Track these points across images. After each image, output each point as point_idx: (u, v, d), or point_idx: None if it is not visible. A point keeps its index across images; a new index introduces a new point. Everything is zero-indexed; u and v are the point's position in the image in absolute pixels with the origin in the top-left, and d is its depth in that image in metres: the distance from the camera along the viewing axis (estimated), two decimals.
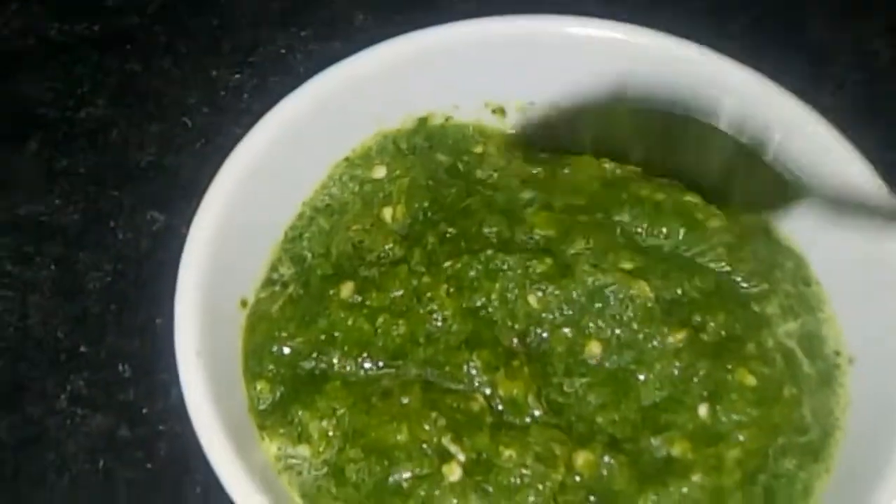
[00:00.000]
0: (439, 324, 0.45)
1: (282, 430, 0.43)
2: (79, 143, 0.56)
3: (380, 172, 0.50)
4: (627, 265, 0.45)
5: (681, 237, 0.46)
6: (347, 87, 0.48)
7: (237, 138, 0.55)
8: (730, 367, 0.43)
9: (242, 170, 0.45)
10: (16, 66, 0.59)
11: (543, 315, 0.45)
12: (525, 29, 0.48)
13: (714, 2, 0.59)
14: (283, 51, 0.60)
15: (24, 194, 0.54)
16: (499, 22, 0.48)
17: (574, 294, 0.44)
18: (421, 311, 0.45)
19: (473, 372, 0.43)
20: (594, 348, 0.44)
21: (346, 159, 0.49)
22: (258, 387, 0.44)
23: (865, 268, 0.45)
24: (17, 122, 0.57)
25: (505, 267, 0.45)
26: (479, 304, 0.45)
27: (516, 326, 0.45)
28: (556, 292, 0.44)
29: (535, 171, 0.48)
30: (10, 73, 0.58)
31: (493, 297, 0.45)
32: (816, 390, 0.45)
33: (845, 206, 0.46)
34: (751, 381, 0.43)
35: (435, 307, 0.45)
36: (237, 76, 0.59)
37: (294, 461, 0.43)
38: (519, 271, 0.45)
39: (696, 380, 0.43)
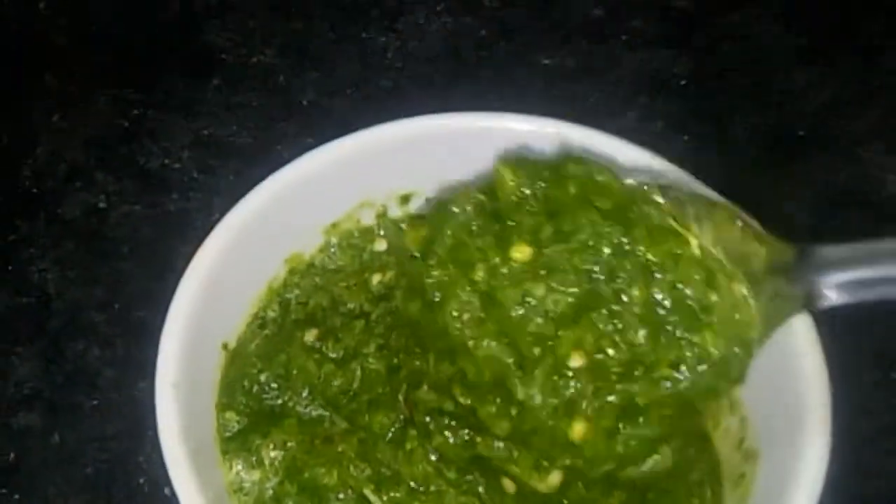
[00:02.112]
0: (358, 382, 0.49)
1: (241, 456, 0.48)
2: (251, 83, 0.68)
3: (381, 246, 0.55)
4: None
5: None
6: (335, 164, 0.52)
7: (382, 89, 0.68)
8: None
9: (237, 228, 0.50)
10: (202, 21, 0.71)
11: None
12: (505, 124, 0.53)
13: None
14: (421, 21, 0.71)
15: (208, 119, 0.66)
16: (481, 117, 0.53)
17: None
18: (355, 365, 0.50)
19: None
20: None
21: (344, 228, 0.54)
22: (227, 416, 0.49)
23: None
24: (203, 63, 0.69)
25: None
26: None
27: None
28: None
29: None
30: (197, 27, 0.71)
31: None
32: None
33: None
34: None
35: (367, 362, 0.50)
36: (383, 39, 0.70)
37: (246, 484, 0.48)
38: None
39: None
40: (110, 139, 0.66)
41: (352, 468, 0.47)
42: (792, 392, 0.46)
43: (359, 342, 0.50)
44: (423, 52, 0.70)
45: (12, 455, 0.55)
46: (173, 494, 0.45)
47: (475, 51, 0.70)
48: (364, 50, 0.70)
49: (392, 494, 0.46)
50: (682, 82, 0.69)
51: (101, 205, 0.63)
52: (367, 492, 0.47)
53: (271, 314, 0.52)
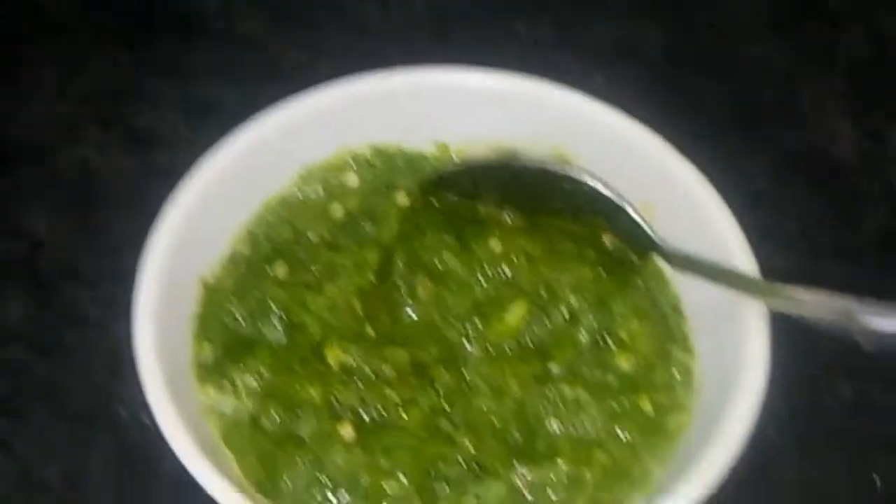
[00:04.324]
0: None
1: (216, 383, 0.51)
2: (239, 47, 0.71)
3: (352, 180, 0.58)
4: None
5: None
6: (312, 113, 0.56)
7: (365, 53, 0.67)
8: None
9: (216, 169, 0.54)
10: None
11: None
12: (470, 80, 0.57)
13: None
14: None
15: (196, 80, 0.69)
16: (448, 72, 0.57)
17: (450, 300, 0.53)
18: (332, 288, 0.53)
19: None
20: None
21: (318, 167, 0.57)
22: (202, 346, 0.52)
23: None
24: (193, 28, 0.72)
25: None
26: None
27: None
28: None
29: None
30: None
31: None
32: None
33: (709, 270, 0.51)
34: (648, 408, 0.50)
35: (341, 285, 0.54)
36: (367, 7, 0.73)
37: (222, 408, 0.51)
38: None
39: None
40: (103, 97, 0.69)
41: (335, 382, 0.50)
42: (736, 331, 0.50)
43: (328, 267, 0.54)
44: (404, 19, 0.73)
45: (2, 387, 0.58)
46: (152, 423, 0.48)
47: (456, 18, 0.73)
48: (348, 17, 0.73)
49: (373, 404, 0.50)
50: (653, 51, 0.72)
51: (92, 158, 0.66)
52: (353, 402, 0.50)
53: (244, 251, 0.55)
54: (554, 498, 0.48)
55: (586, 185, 0.54)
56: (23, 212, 0.63)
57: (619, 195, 0.54)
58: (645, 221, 0.53)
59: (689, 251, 0.52)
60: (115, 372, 0.56)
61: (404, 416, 0.49)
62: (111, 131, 0.67)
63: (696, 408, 0.50)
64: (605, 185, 0.54)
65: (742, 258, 0.51)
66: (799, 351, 0.53)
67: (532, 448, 0.49)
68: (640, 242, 0.54)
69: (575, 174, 0.54)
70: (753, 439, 0.47)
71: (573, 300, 0.52)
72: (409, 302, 0.53)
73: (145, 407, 0.48)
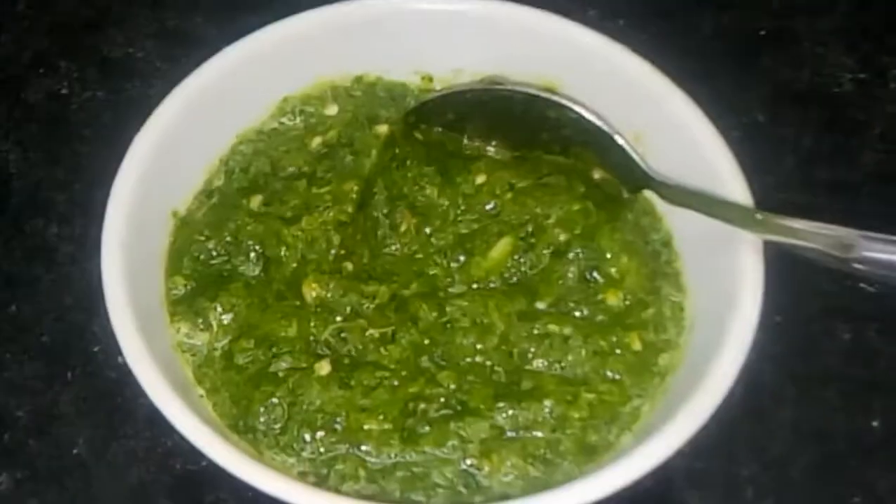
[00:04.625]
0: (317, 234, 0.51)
1: (188, 319, 0.50)
2: None
3: (331, 110, 0.56)
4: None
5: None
6: (291, 41, 0.54)
7: None
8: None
9: (189, 97, 0.52)
10: None
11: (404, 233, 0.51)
12: (458, 6, 0.55)
13: None
14: None
15: (173, 10, 0.66)
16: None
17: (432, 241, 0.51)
18: (310, 220, 0.51)
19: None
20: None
21: (298, 97, 0.55)
22: (174, 281, 0.51)
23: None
24: None
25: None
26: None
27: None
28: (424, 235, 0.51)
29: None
30: None
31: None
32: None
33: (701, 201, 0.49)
34: (637, 346, 0.49)
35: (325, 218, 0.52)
36: None
37: (194, 345, 0.49)
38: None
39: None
40: (75, 28, 0.66)
41: (313, 317, 0.49)
42: (729, 268, 0.48)
43: (306, 199, 0.52)
44: None
45: None
46: (124, 360, 0.46)
47: None
48: None
49: (351, 343, 0.48)
50: None
51: (64, 91, 0.63)
52: (329, 336, 0.48)
53: (217, 183, 0.53)
54: (539, 436, 0.46)
55: (574, 111, 0.52)
56: None
57: (608, 124, 0.52)
58: (635, 152, 0.51)
59: (681, 182, 0.50)
60: (88, 308, 0.55)
61: (384, 353, 0.48)
62: (84, 63, 0.64)
63: (688, 346, 0.49)
64: (594, 113, 0.52)
65: (736, 189, 0.49)
66: (797, 293, 0.53)
67: (517, 387, 0.48)
68: (630, 174, 0.52)
69: (563, 101, 0.52)
70: (749, 380, 0.46)
71: (561, 235, 0.50)
72: (390, 235, 0.51)
73: (118, 344, 0.47)
